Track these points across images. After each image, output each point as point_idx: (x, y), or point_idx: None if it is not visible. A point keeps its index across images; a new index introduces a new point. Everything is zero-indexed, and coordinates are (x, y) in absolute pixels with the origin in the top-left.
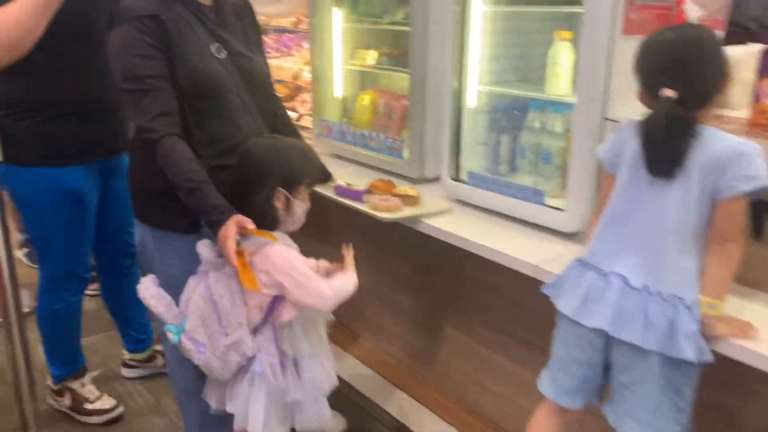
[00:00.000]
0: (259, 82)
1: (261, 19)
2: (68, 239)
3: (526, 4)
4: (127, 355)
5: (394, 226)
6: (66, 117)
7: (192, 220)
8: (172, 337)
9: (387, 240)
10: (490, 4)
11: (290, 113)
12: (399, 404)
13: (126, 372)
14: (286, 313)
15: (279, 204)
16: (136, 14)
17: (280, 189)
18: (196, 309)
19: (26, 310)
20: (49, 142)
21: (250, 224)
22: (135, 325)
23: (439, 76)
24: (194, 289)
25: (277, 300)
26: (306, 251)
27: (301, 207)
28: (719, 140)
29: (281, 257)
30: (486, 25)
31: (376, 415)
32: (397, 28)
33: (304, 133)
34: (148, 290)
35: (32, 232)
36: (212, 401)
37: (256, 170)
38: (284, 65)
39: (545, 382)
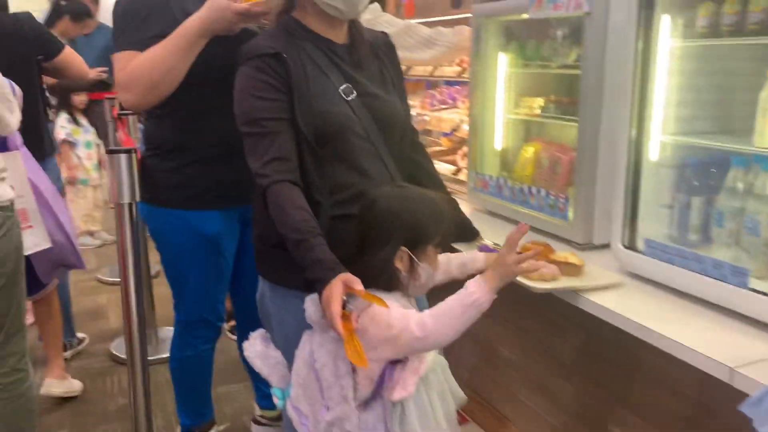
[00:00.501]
0: (393, 126)
1: (423, 70)
2: (202, 284)
3: (729, 36)
4: (258, 411)
5: (554, 297)
6: (209, 160)
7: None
8: (277, 401)
9: (546, 312)
10: (681, 38)
11: (448, 167)
12: None
13: (256, 429)
14: (399, 390)
15: (401, 265)
16: (258, 53)
17: (404, 248)
18: (298, 375)
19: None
20: (191, 185)
21: (358, 284)
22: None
23: (613, 124)
24: (302, 349)
25: (389, 370)
26: None
27: (426, 270)
28: None
29: (383, 317)
30: (674, 64)
31: None
32: (568, 72)
33: (459, 188)
34: (254, 347)
35: (168, 274)
36: None
37: (378, 223)
38: (445, 116)
39: None
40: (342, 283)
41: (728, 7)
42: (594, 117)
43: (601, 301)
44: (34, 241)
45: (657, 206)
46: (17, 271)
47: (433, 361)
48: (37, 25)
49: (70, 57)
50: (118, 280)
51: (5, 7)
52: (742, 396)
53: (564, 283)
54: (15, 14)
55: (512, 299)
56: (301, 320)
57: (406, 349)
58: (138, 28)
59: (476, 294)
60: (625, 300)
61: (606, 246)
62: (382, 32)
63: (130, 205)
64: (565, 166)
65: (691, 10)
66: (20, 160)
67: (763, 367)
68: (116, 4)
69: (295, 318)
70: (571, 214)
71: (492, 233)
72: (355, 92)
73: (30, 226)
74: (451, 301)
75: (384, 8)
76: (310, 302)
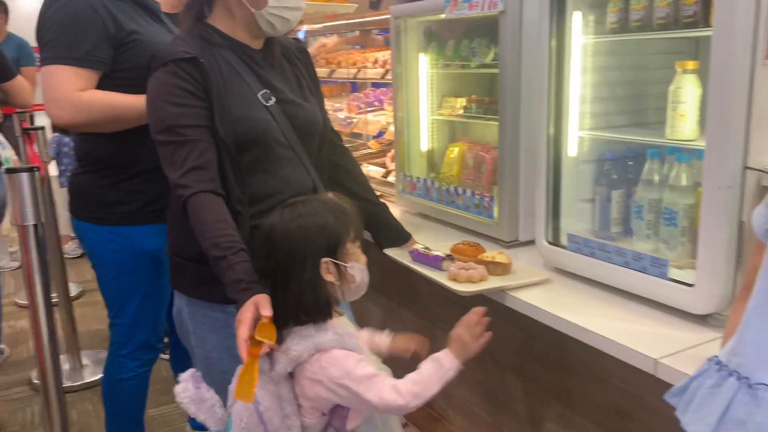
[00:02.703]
0: (313, 132)
1: (347, 73)
2: (144, 304)
3: (637, 31)
4: None
5: (484, 296)
6: (148, 174)
7: None
8: None
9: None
10: (592, 34)
11: (378, 169)
12: None
13: None
14: (352, 419)
15: (330, 276)
16: (172, 58)
17: (324, 259)
18: (240, 419)
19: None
20: (130, 200)
21: (266, 310)
22: None
23: (533, 122)
24: None
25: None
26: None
27: (357, 269)
28: None
29: (338, 367)
30: (587, 60)
31: None
32: (488, 71)
33: (389, 190)
34: (186, 392)
35: (106, 295)
36: None
37: (287, 253)
38: (372, 119)
39: None
40: (254, 305)
41: (636, 3)
42: (513, 115)
43: (529, 299)
44: None
45: (578, 201)
46: None
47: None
48: None
49: (20, 84)
50: None
51: None
52: (668, 385)
53: (491, 283)
54: None
55: (444, 298)
56: (223, 336)
57: (381, 410)
58: (70, 44)
59: (452, 371)
60: (552, 296)
61: (532, 242)
62: (296, 38)
63: (35, 226)
64: (489, 165)
65: (601, 7)
66: None
67: (684, 357)
68: (42, 17)
69: (216, 334)
70: (496, 212)
71: (422, 236)
72: (273, 98)
73: None
74: (428, 374)
75: None
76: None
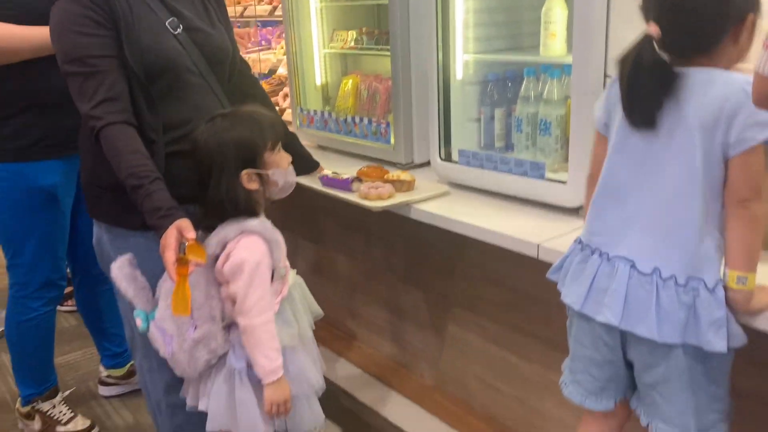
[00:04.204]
0: (222, 61)
1: (233, 11)
2: (42, 242)
3: None
4: (104, 372)
5: (386, 217)
6: (43, 107)
7: None
8: (140, 324)
9: (378, 233)
10: None
11: None
12: (399, 409)
13: (103, 390)
14: None
15: (254, 185)
16: None
17: (245, 171)
18: (167, 295)
19: None
20: (24, 135)
21: (190, 233)
22: (111, 337)
23: (423, 51)
24: None
25: None
26: (290, 250)
27: (278, 172)
28: (720, 83)
29: (251, 252)
30: None
31: (373, 422)
32: (377, 2)
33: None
34: (122, 270)
35: (1, 235)
36: (188, 397)
37: (208, 163)
38: (262, 57)
39: (569, 387)
40: (176, 230)
41: None
42: (404, 45)
43: (430, 210)
44: None
45: (466, 121)
46: None
47: (293, 279)
48: None
49: None
50: None
51: None
52: (546, 272)
53: (399, 199)
54: None
55: (345, 226)
56: (145, 259)
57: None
58: None
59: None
60: (449, 205)
61: (427, 164)
62: None
63: None
64: (383, 95)
65: None
66: None
67: (561, 240)
68: None
69: (138, 258)
70: (392, 138)
71: (325, 166)
72: (181, 26)
73: None
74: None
75: None
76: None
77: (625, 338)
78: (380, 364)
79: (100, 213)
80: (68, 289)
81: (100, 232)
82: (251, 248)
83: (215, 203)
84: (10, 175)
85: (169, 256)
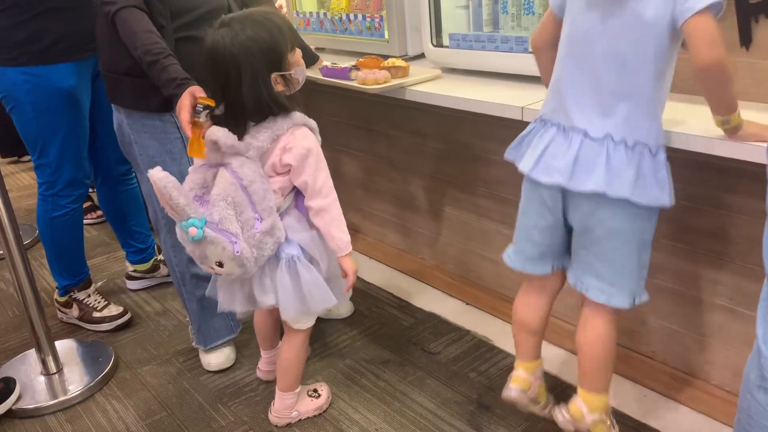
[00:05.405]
0: None
1: None
2: (66, 141)
3: None
4: (130, 268)
5: (383, 108)
6: (57, 10)
7: (165, 98)
8: (195, 232)
9: (377, 126)
10: None
11: None
12: (403, 286)
13: (131, 284)
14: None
15: (280, 87)
16: None
17: (273, 75)
18: (226, 196)
19: None
20: (40, 38)
21: (201, 92)
22: (136, 235)
23: None
24: (201, 181)
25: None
26: None
27: (299, 71)
28: None
29: (309, 140)
30: None
31: (382, 297)
32: None
33: None
34: (168, 178)
35: (26, 138)
36: (221, 301)
37: (233, 65)
38: None
39: (510, 255)
40: (190, 94)
41: None
42: None
43: (425, 89)
44: None
45: (456, 8)
46: None
47: None
48: None
49: None
50: None
51: None
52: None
53: (394, 82)
54: None
55: (347, 123)
56: (163, 141)
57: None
58: None
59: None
60: (442, 86)
61: (420, 56)
62: None
63: None
64: None
65: None
66: None
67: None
68: None
69: (156, 140)
70: (386, 32)
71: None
72: None
73: None
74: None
75: None
76: (220, 132)
77: (566, 202)
78: (385, 252)
79: (119, 98)
80: (87, 204)
81: (120, 117)
82: (309, 137)
83: (249, 104)
84: (31, 78)
85: (185, 116)
